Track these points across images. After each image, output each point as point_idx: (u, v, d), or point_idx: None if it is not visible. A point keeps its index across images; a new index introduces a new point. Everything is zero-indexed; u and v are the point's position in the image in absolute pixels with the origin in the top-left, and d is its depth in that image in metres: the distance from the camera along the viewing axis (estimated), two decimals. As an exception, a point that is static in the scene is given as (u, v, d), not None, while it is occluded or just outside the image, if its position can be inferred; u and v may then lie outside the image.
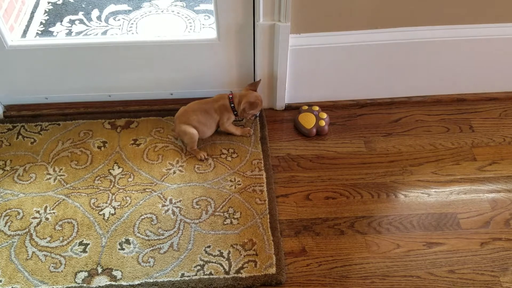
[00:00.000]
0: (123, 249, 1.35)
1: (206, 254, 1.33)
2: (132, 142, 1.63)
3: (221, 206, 1.45)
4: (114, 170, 1.54)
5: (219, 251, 1.34)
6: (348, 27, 1.53)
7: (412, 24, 1.54)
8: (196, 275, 1.29)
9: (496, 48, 1.63)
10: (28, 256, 1.33)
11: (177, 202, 1.46)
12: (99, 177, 1.52)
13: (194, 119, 1.54)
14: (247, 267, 1.30)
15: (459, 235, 1.39)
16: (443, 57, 1.64)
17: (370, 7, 1.48)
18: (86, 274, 1.30)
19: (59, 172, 1.53)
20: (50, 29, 2.04)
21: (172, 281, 1.28)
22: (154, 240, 1.37)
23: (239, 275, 1.29)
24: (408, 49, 1.60)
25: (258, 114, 1.63)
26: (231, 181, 1.51)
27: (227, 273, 1.29)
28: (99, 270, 1.31)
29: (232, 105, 1.57)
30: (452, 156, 1.59)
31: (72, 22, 2.09)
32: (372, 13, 1.50)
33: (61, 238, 1.37)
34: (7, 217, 1.42)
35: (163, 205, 1.45)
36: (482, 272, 1.30)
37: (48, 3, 2.19)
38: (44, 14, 2.12)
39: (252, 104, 1.54)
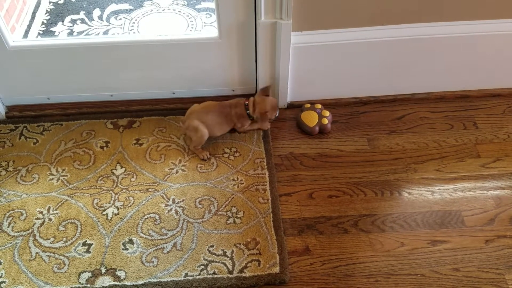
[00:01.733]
0: (126, 249, 1.35)
1: (210, 254, 1.33)
2: (135, 142, 1.62)
3: (224, 206, 1.44)
4: (116, 170, 1.54)
5: (223, 250, 1.34)
6: (350, 24, 1.53)
7: (415, 20, 1.53)
8: (199, 274, 1.29)
9: (500, 44, 1.62)
10: (31, 257, 1.33)
11: (180, 201, 1.45)
12: (102, 177, 1.52)
13: (210, 119, 1.54)
14: (250, 267, 1.30)
15: (463, 232, 1.38)
16: (447, 53, 1.63)
17: (372, 3, 1.47)
18: (89, 274, 1.30)
19: (62, 172, 1.53)
20: (52, 29, 2.04)
21: (176, 280, 1.28)
22: (158, 240, 1.37)
23: (243, 274, 1.29)
24: (411, 45, 1.59)
25: (276, 116, 1.63)
26: (233, 180, 1.51)
27: (230, 272, 1.29)
28: (103, 270, 1.31)
29: (248, 111, 1.58)
30: (456, 153, 1.59)
31: (73, 21, 2.08)
32: (375, 9, 1.49)
33: (64, 239, 1.37)
34: (10, 218, 1.42)
35: (166, 205, 1.45)
36: (487, 270, 1.30)
37: (50, 2, 2.18)
38: (45, 14, 2.12)
39: (263, 115, 1.56)
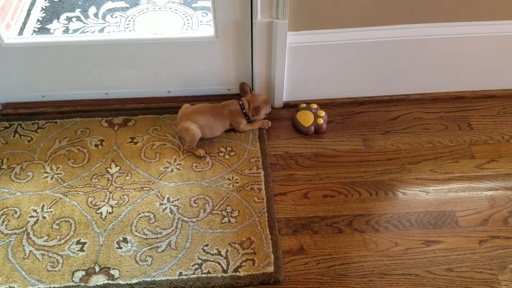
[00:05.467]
0: (120, 248, 1.34)
1: (204, 253, 1.33)
2: (130, 140, 1.62)
3: (219, 205, 1.44)
4: (111, 168, 1.54)
5: (217, 249, 1.34)
6: (346, 24, 1.53)
7: (410, 21, 1.53)
8: (194, 273, 1.29)
9: (495, 45, 1.62)
10: (25, 255, 1.33)
11: (175, 200, 1.45)
12: (96, 176, 1.51)
13: (201, 120, 1.55)
14: (245, 266, 1.30)
15: (457, 233, 1.39)
16: (442, 54, 1.64)
17: (368, 4, 1.47)
18: (83, 273, 1.29)
19: (56, 170, 1.53)
20: (47, 26, 2.03)
21: (170, 280, 1.28)
22: (152, 238, 1.36)
23: (237, 273, 1.28)
24: (406, 46, 1.59)
25: (267, 112, 1.67)
26: (229, 179, 1.51)
27: (225, 271, 1.29)
28: (97, 269, 1.30)
29: (244, 110, 1.61)
30: (451, 154, 1.59)
31: (69, 19, 2.07)
32: (371, 10, 1.49)
33: (58, 237, 1.37)
34: (4, 216, 1.41)
35: (161, 204, 1.44)
36: (480, 270, 1.30)
37: (45, 0, 2.17)
38: (41, 11, 2.11)
39: (257, 109, 1.59)
